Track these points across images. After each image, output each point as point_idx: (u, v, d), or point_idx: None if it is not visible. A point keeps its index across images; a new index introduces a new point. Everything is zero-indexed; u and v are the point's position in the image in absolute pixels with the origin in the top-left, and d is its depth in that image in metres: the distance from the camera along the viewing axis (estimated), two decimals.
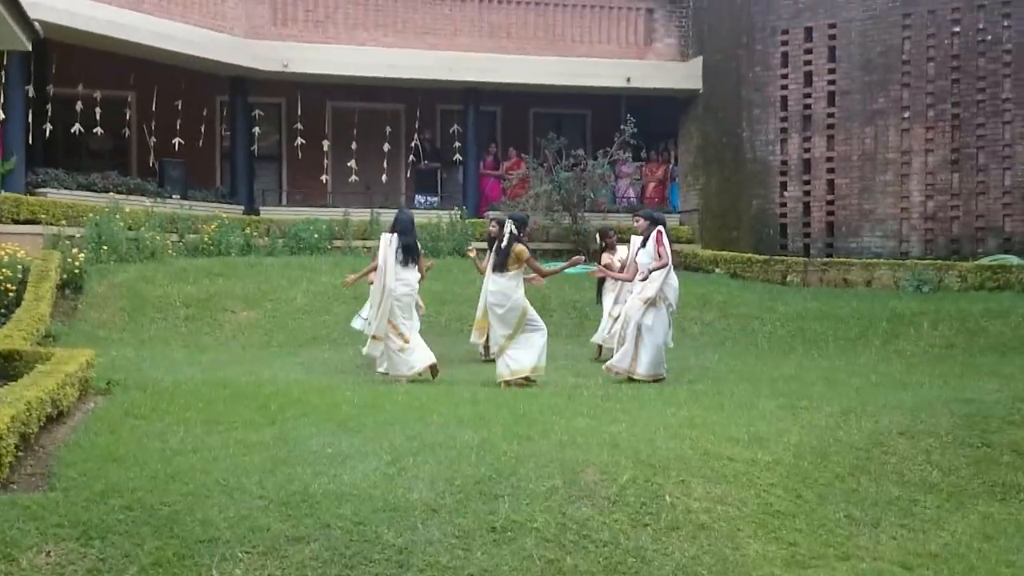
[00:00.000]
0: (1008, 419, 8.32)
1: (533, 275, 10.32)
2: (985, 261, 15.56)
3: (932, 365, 11.23)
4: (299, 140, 19.44)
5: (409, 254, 10.49)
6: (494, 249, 10.66)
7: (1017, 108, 16.00)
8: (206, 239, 16.86)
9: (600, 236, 13.29)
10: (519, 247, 10.16)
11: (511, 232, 10.22)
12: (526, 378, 10.05)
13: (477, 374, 11.36)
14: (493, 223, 12.90)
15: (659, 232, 10.61)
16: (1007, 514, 7.18)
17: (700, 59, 20.24)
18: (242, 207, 19.01)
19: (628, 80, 20.35)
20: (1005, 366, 10.87)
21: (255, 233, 17.70)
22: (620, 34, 20.97)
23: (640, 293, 10.57)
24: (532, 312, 10.25)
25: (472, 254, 12.54)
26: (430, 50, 19.83)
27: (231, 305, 14.50)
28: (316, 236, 17.80)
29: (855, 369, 11.05)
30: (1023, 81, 15.96)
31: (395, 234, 10.57)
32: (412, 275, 10.60)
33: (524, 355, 10.07)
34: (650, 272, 10.50)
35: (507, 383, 9.95)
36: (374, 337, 10.68)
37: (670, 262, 10.60)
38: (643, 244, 10.85)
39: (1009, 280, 14.84)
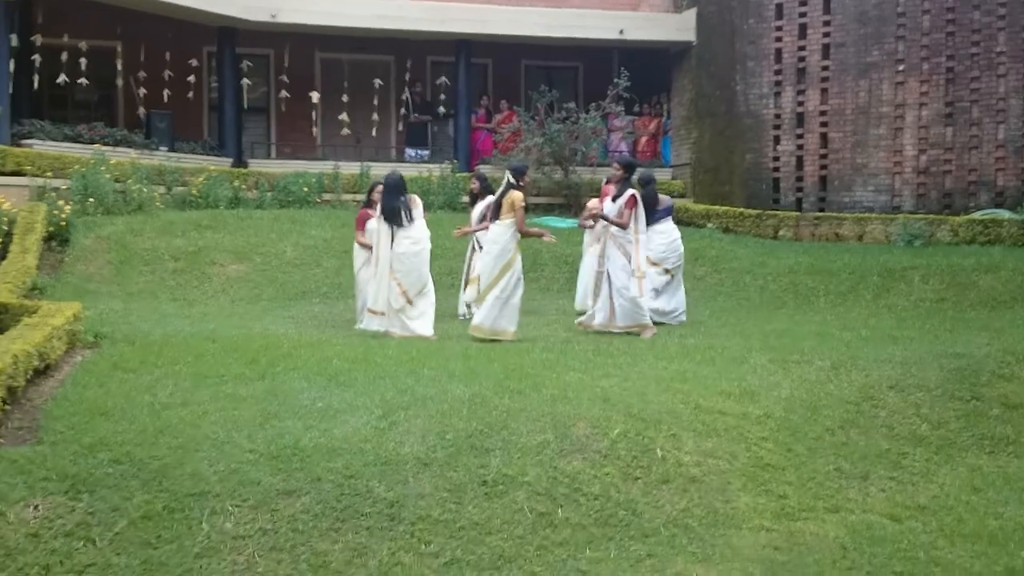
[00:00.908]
0: (998, 372, 8.33)
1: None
2: (977, 215, 15.52)
3: (923, 319, 11.24)
4: (284, 93, 19.22)
5: (398, 215, 10.31)
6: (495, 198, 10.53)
7: (1012, 62, 15.87)
8: (194, 192, 16.71)
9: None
10: (514, 193, 10.11)
11: (508, 180, 10.19)
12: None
13: (468, 328, 11.34)
14: (474, 180, 12.87)
15: (632, 196, 10.47)
16: (995, 467, 7.21)
17: (694, 11, 20.03)
18: (230, 159, 18.83)
19: (621, 32, 20.15)
20: (995, 320, 10.89)
21: (244, 186, 17.54)
22: None
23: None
24: (518, 271, 10.13)
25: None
26: (421, 0, 19.57)
27: (220, 258, 14.41)
28: (305, 189, 17.66)
29: (846, 323, 11.05)
30: (1018, 34, 15.81)
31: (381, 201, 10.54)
32: (417, 232, 10.38)
33: (504, 319, 10.05)
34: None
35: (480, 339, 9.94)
36: (371, 311, 10.65)
37: (635, 227, 10.43)
38: (614, 199, 10.70)
39: (1000, 234, 14.83)
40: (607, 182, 12.41)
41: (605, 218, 10.52)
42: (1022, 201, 15.25)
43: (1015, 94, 15.85)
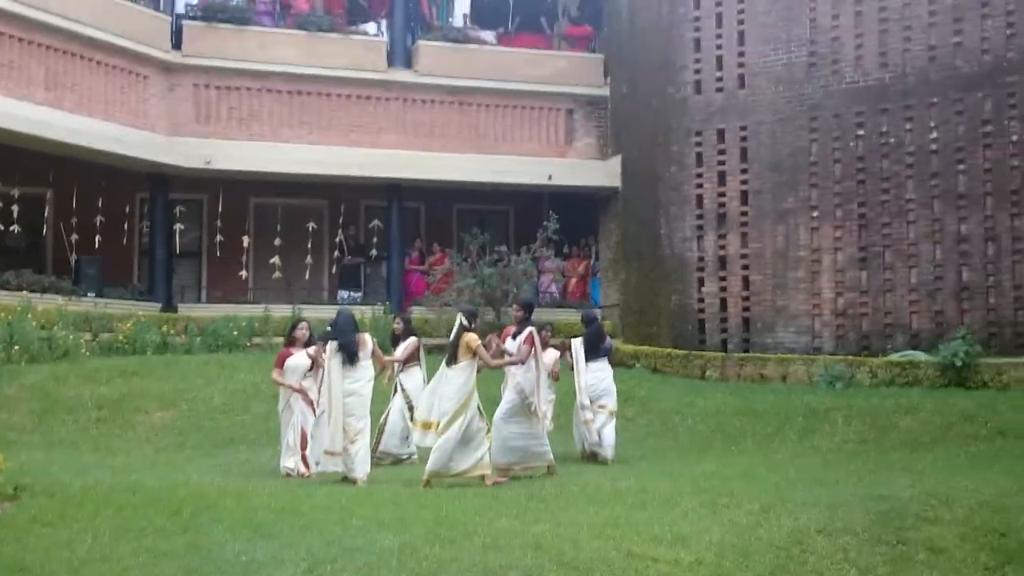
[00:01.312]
0: (922, 516, 8.47)
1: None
2: (894, 357, 15.94)
3: (847, 461, 11.43)
4: (219, 237, 19.35)
5: (351, 355, 10.35)
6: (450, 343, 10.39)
7: (920, 208, 16.59)
8: (121, 338, 16.58)
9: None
10: (469, 335, 10.07)
11: (460, 323, 10.18)
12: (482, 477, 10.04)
13: (399, 473, 11.25)
14: (398, 321, 12.97)
15: (529, 334, 10.59)
16: None
17: (619, 158, 20.76)
18: (159, 304, 18.73)
19: (549, 178, 20.75)
20: (917, 462, 11.12)
21: (172, 331, 17.45)
22: (542, 133, 21.44)
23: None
24: (476, 409, 10.10)
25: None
26: (354, 147, 20.03)
27: (145, 406, 14.22)
28: (235, 333, 17.62)
29: (773, 465, 11.19)
30: (925, 182, 16.57)
31: (334, 339, 10.51)
32: (362, 373, 10.47)
33: (465, 457, 9.99)
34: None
35: (429, 483, 9.86)
36: (328, 452, 10.48)
37: (533, 362, 10.51)
38: (514, 336, 10.85)
39: (918, 376, 15.24)
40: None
41: (506, 352, 10.65)
42: (937, 343, 15.70)
43: (925, 239, 16.52)
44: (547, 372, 11.38)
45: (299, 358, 11.18)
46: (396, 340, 12.69)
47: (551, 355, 11.93)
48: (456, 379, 9.99)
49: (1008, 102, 15.98)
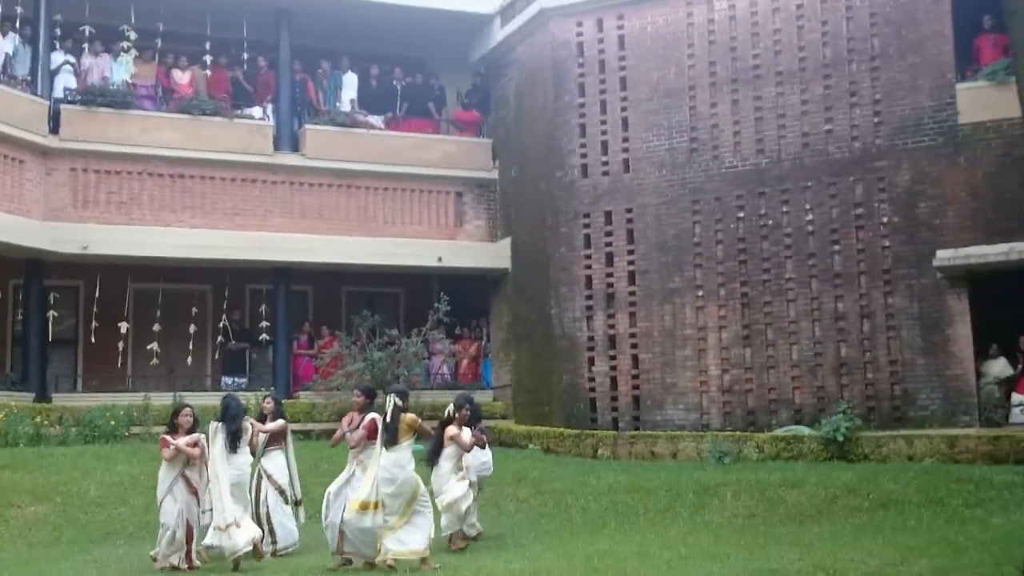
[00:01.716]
0: None
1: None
2: (779, 432, 16.32)
3: (737, 535, 11.54)
4: (94, 323, 18.74)
5: (236, 440, 10.53)
6: (381, 426, 10.28)
7: (799, 287, 17.13)
8: None
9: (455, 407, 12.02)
10: (408, 416, 10.14)
11: (395, 404, 10.12)
12: (422, 559, 9.92)
13: (285, 564, 10.91)
14: (269, 400, 12.61)
15: (371, 420, 10.61)
16: None
17: (509, 240, 20.98)
18: (33, 394, 17.95)
19: (439, 260, 20.80)
20: (804, 534, 11.30)
21: (47, 421, 16.76)
22: (431, 215, 21.51)
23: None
24: (423, 489, 10.21)
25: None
26: (239, 231, 19.69)
27: (17, 500, 13.60)
28: (113, 423, 17.05)
29: (666, 542, 11.22)
30: (804, 262, 17.14)
31: (221, 422, 10.57)
32: (242, 459, 10.74)
33: (412, 536, 9.93)
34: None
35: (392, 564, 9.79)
36: (221, 528, 10.35)
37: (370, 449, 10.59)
38: (359, 425, 10.90)
39: (802, 450, 15.63)
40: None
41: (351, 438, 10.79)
42: (819, 417, 16.16)
43: (804, 317, 17.05)
44: (469, 444, 11.44)
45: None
46: (264, 420, 12.32)
47: (468, 433, 11.70)
48: (403, 459, 10.05)
49: (878, 186, 16.74)
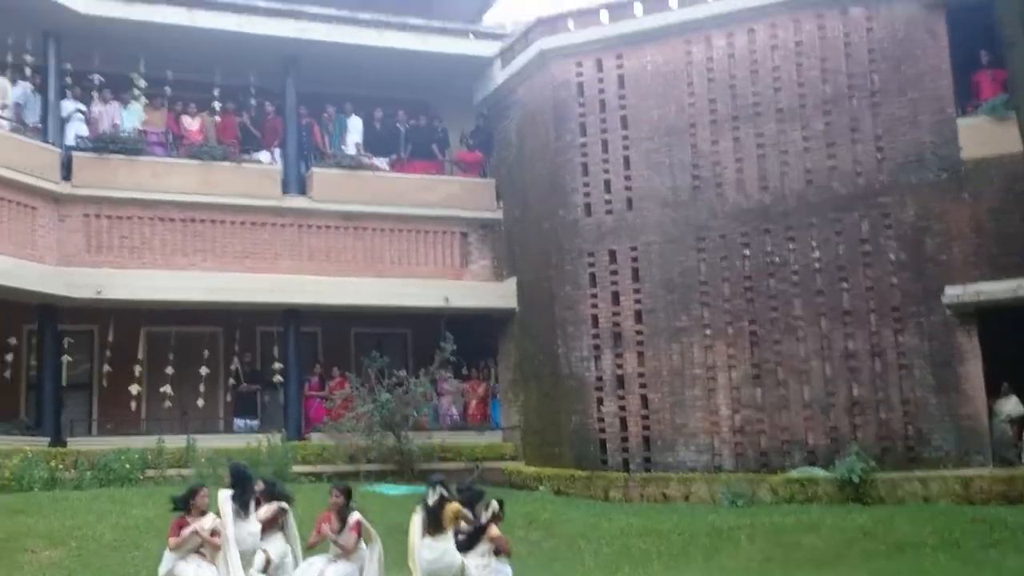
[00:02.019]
0: None
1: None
2: (793, 474, 16.21)
3: None
4: (106, 367, 18.85)
5: (244, 507, 10.32)
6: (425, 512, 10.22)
7: (808, 325, 17.11)
8: (7, 474, 15.94)
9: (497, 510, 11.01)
10: (453, 504, 10.17)
11: (442, 494, 10.19)
12: None
13: None
14: (259, 483, 11.26)
15: (357, 521, 10.62)
16: None
17: (514, 279, 21.08)
18: (48, 439, 18.02)
19: (446, 300, 20.89)
20: None
21: (61, 465, 16.83)
22: (437, 256, 21.65)
23: None
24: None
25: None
26: (249, 273, 19.87)
27: (32, 544, 13.63)
28: (128, 466, 17.09)
29: None
30: (812, 299, 17.14)
31: (232, 488, 10.42)
32: (252, 527, 10.44)
33: None
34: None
35: None
36: None
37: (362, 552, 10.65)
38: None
39: (817, 492, 15.53)
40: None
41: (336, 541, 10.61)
42: (833, 458, 16.07)
43: (815, 356, 17.01)
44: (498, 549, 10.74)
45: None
46: (257, 503, 10.98)
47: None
48: (451, 547, 10.08)
49: (884, 222, 16.83)
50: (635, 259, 18.60)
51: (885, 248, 16.82)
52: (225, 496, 10.32)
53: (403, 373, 19.49)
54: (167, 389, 18.89)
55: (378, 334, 22.68)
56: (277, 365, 20.05)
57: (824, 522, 13.75)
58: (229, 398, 20.59)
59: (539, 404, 19.75)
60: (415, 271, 21.29)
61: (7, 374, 18.40)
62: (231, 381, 20.39)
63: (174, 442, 18.22)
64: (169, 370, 19.10)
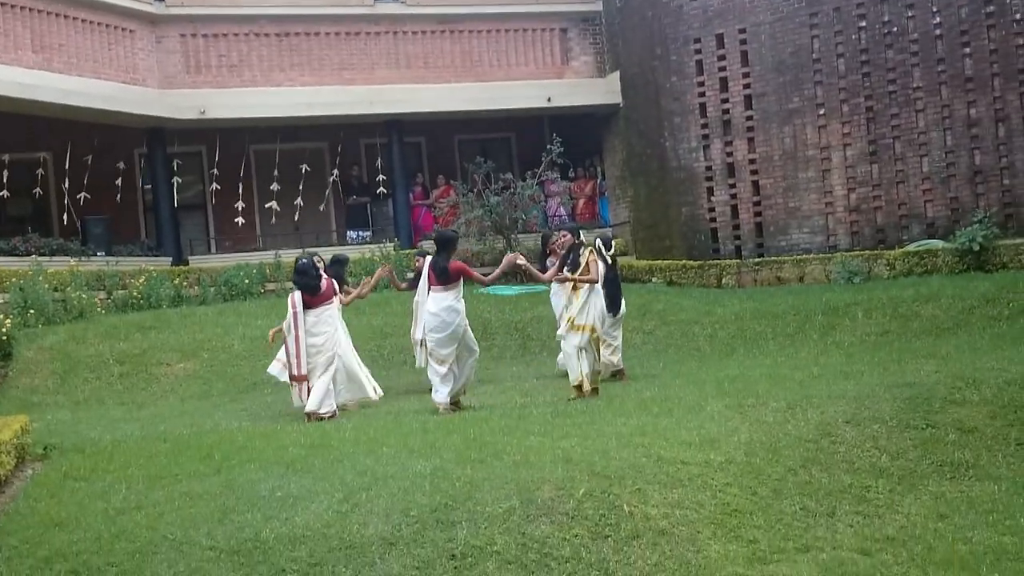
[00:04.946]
0: (949, 399, 8.46)
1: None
2: (911, 247, 15.82)
3: (870, 353, 11.38)
4: (215, 186, 19.22)
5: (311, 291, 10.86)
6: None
7: (928, 96, 16.31)
8: (135, 294, 16.58)
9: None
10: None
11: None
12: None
13: (425, 403, 11.27)
14: (418, 258, 12.69)
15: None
16: (958, 492, 7.28)
17: (617, 74, 20.46)
18: (170, 259, 18.71)
19: (549, 100, 20.50)
20: (941, 347, 11.06)
21: (185, 283, 17.45)
22: (537, 55, 21.13)
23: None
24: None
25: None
26: (348, 85, 19.77)
27: (166, 358, 14.26)
28: (247, 281, 17.59)
29: (796, 363, 11.16)
30: (932, 68, 16.27)
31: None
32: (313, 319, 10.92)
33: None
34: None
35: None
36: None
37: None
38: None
39: (936, 264, 15.13)
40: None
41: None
42: (953, 230, 15.57)
43: (935, 127, 16.27)
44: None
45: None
46: (418, 276, 12.15)
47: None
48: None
49: None
50: (744, 42, 17.76)
51: (1010, 8, 15.64)
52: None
53: (509, 176, 19.35)
54: (272, 205, 19.18)
55: (482, 140, 22.52)
56: (381, 177, 20.11)
57: (944, 292, 13.35)
58: (339, 211, 20.85)
59: (648, 199, 19.47)
60: (515, 72, 20.86)
61: (118, 197, 18.89)
62: (341, 194, 20.59)
63: (289, 256, 18.60)
64: (273, 186, 19.35)
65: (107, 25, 18.01)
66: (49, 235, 18.11)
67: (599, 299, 10.61)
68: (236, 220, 19.21)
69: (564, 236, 11.08)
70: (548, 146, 19.11)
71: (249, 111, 18.98)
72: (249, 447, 8.12)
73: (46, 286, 15.34)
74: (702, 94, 18.16)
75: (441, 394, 10.21)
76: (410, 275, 13.32)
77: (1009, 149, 15.73)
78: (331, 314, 10.90)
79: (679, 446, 7.50)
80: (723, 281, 17.02)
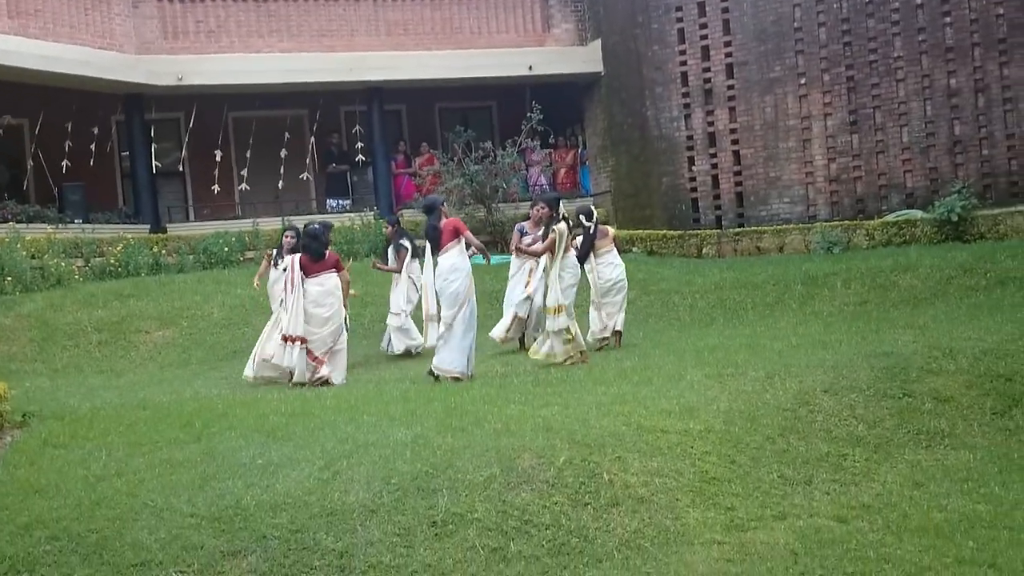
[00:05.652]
0: (926, 368, 8.52)
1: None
2: (890, 218, 15.93)
3: (849, 323, 11.46)
4: (187, 152, 19.04)
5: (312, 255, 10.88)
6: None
7: (909, 65, 16.37)
8: (113, 261, 16.50)
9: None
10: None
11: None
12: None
13: (405, 371, 11.29)
14: (387, 226, 12.93)
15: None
16: (934, 460, 7.35)
17: (599, 42, 20.37)
18: (148, 226, 18.55)
19: (530, 68, 20.38)
20: (918, 317, 11.14)
21: (163, 251, 17.37)
22: (518, 23, 20.99)
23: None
24: None
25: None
26: (328, 52, 19.60)
27: (145, 326, 14.19)
28: (227, 249, 17.52)
29: (775, 333, 11.22)
30: (912, 38, 16.32)
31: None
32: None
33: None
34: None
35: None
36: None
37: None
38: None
39: (915, 234, 15.24)
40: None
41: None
42: (932, 200, 15.68)
43: (915, 97, 16.34)
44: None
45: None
46: (387, 243, 12.56)
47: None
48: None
49: None
50: (725, 10, 17.79)
51: None
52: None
53: (489, 145, 19.27)
54: (244, 172, 19.04)
55: (463, 108, 22.40)
56: (359, 145, 19.98)
57: (922, 262, 13.45)
58: (319, 179, 20.73)
59: (629, 168, 19.47)
60: (496, 40, 20.72)
61: (96, 164, 18.68)
62: (320, 162, 20.45)
63: (268, 224, 18.56)
64: (248, 154, 19.18)
65: None
66: (26, 202, 17.92)
67: (568, 276, 10.59)
68: (213, 188, 19.06)
69: (542, 208, 11.02)
70: (528, 114, 19.04)
71: (227, 77, 18.78)
72: (229, 415, 8.11)
73: (23, 253, 15.21)
74: (683, 63, 18.16)
75: (457, 364, 10.03)
76: (406, 246, 13.18)
77: (988, 119, 15.83)
78: (336, 284, 10.83)
79: (659, 415, 7.53)
80: (703, 251, 17.08)
